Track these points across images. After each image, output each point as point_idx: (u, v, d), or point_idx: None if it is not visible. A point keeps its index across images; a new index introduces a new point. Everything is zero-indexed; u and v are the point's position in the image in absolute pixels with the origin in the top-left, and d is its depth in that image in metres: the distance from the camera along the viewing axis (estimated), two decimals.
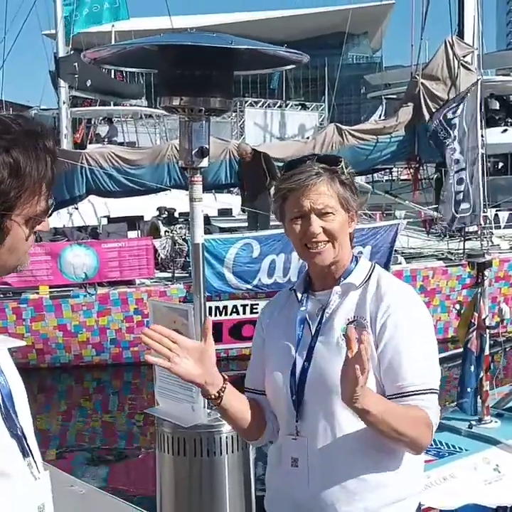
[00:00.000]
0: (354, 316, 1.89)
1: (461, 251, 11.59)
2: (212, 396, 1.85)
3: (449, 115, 11.32)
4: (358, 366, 1.61)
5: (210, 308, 10.49)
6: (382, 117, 15.39)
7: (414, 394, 1.80)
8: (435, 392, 1.84)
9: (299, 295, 1.99)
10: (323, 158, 1.92)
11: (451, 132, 11.30)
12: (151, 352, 1.76)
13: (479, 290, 4.16)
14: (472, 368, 4.12)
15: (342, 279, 1.93)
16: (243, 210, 12.22)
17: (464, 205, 11.22)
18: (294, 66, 2.92)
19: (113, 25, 20.57)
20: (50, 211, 1.30)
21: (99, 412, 9.62)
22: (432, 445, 3.85)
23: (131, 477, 7.25)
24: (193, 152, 2.79)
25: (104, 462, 7.77)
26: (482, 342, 4.09)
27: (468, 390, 4.15)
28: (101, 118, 22.13)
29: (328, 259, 1.91)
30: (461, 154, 11.19)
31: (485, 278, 4.20)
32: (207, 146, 2.79)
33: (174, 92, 2.72)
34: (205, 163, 2.83)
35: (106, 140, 19.68)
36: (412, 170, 13.14)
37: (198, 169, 2.85)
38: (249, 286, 10.25)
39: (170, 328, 2.89)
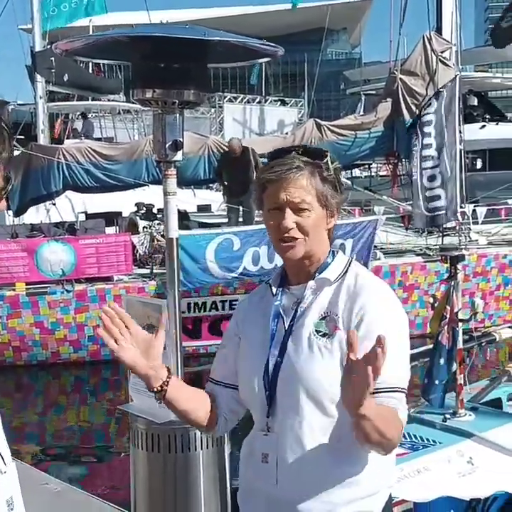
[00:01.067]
0: (327, 312, 1.87)
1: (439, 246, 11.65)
2: (155, 389, 1.88)
3: (423, 111, 11.38)
4: (370, 373, 1.57)
5: (189, 304, 10.46)
6: (361, 113, 15.39)
7: (385, 391, 1.78)
8: (404, 392, 1.83)
9: (274, 289, 1.97)
10: (308, 150, 1.89)
11: (424, 129, 11.34)
12: (103, 329, 1.82)
13: (452, 283, 4.18)
14: (442, 361, 4.13)
15: (317, 273, 1.91)
16: (228, 206, 12.16)
17: (438, 203, 11.27)
18: (269, 59, 2.90)
19: (90, 20, 20.43)
20: (5, 191, 1.26)
21: (77, 409, 9.56)
22: (406, 438, 3.86)
23: (108, 474, 7.20)
24: (167, 145, 2.76)
25: (81, 460, 7.71)
26: (455, 335, 4.10)
27: (437, 382, 4.16)
28: (78, 113, 21.99)
29: (298, 254, 1.89)
30: (437, 151, 11.22)
31: (458, 271, 4.21)
32: (181, 140, 2.76)
33: (147, 85, 2.68)
34: (179, 156, 2.80)
35: (83, 136, 19.54)
36: (390, 166, 13.18)
37: (172, 163, 2.82)
38: (235, 275, 10.13)
39: (144, 323, 2.89)
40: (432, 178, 11.36)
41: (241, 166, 11.50)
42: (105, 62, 3.44)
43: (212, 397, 2.03)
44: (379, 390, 1.76)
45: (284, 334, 1.90)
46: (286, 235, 1.86)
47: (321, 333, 1.85)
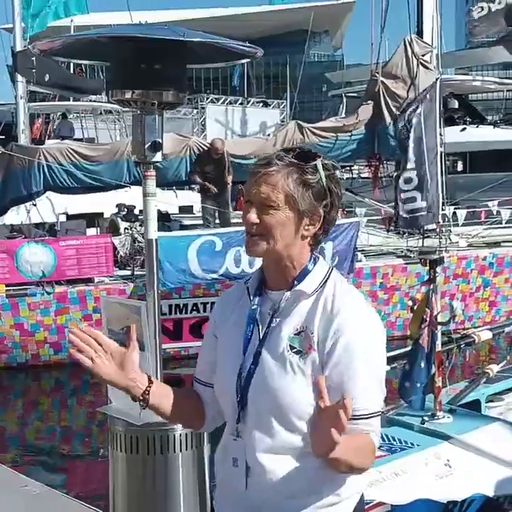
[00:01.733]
0: (302, 327, 1.83)
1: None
2: (137, 399, 1.89)
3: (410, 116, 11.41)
4: (334, 429, 1.57)
5: (171, 306, 10.44)
6: (343, 115, 15.43)
7: (360, 418, 1.77)
8: (379, 415, 1.83)
9: (252, 292, 1.94)
10: (300, 152, 1.84)
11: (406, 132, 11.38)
12: (75, 350, 1.84)
13: (431, 286, 4.19)
14: (422, 364, 4.14)
15: (296, 282, 1.86)
16: (204, 208, 12.14)
17: (414, 205, 11.32)
18: (248, 60, 2.90)
19: (72, 20, 20.34)
20: None
21: (57, 412, 9.50)
22: (384, 441, 3.88)
23: (88, 477, 7.17)
24: (146, 146, 2.75)
25: (61, 462, 7.67)
26: (433, 338, 4.12)
27: (418, 385, 4.18)
28: (59, 113, 21.87)
29: (258, 252, 1.84)
30: (414, 154, 11.28)
31: (437, 274, 4.23)
32: (160, 141, 2.75)
33: (126, 85, 2.68)
34: (158, 157, 2.79)
35: (60, 137, 19.41)
36: (372, 168, 13.21)
37: (151, 164, 2.81)
38: (216, 276, 10.12)
39: (123, 325, 2.88)
40: (408, 181, 11.41)
41: (218, 167, 11.51)
42: (84, 62, 3.43)
43: (200, 397, 2.03)
44: (357, 417, 1.76)
45: (258, 342, 1.87)
46: (250, 230, 1.84)
47: (294, 350, 1.82)
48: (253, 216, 1.82)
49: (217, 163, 11.57)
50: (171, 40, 2.50)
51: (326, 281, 1.87)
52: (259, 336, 1.88)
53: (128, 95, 2.67)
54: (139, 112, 2.72)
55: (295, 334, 1.83)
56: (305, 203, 1.81)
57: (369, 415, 1.79)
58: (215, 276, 10.10)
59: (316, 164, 1.82)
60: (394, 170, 12.89)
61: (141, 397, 1.88)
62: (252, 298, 1.92)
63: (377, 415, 1.81)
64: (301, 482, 1.82)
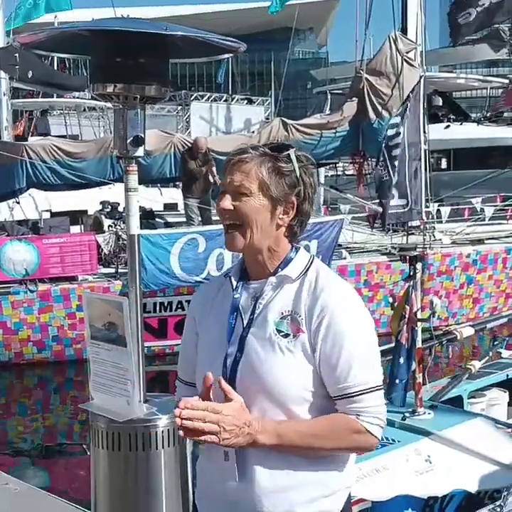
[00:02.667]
0: (289, 311, 1.85)
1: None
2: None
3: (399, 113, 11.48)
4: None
5: (155, 304, 10.41)
6: (328, 112, 15.44)
7: (356, 395, 1.79)
8: (377, 389, 1.82)
9: (234, 283, 1.94)
10: (273, 145, 1.88)
11: (394, 130, 11.44)
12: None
13: (411, 283, 4.20)
14: (402, 360, 4.15)
15: (279, 269, 1.88)
16: (187, 206, 12.10)
17: (399, 201, 11.38)
18: (231, 55, 2.89)
19: (56, 16, 20.19)
20: None
21: (40, 409, 9.45)
22: None
23: (71, 474, 7.13)
24: (128, 141, 2.72)
25: (44, 460, 7.61)
26: (413, 335, 4.13)
27: (397, 381, 4.18)
28: (39, 111, 21.75)
29: (238, 245, 1.87)
30: (401, 150, 11.32)
31: (417, 271, 4.24)
32: (142, 135, 2.73)
33: (108, 79, 2.65)
34: (140, 152, 2.77)
35: (37, 134, 19.25)
36: (356, 165, 13.23)
37: (133, 158, 2.79)
38: (199, 279, 10.12)
39: (105, 321, 2.86)
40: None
41: (202, 164, 11.48)
42: (65, 56, 3.39)
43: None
44: (348, 395, 1.78)
45: (243, 330, 1.87)
46: (225, 220, 1.86)
47: (282, 334, 1.83)
48: (226, 203, 1.84)
49: (205, 161, 11.54)
50: (152, 34, 2.48)
51: (308, 267, 1.89)
52: (242, 324, 1.88)
53: (110, 89, 2.64)
54: (121, 106, 2.69)
55: (281, 318, 1.84)
56: (278, 190, 1.84)
57: (366, 390, 1.79)
58: (198, 278, 10.10)
59: (289, 154, 1.86)
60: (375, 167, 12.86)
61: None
62: (234, 288, 1.93)
63: (376, 389, 1.81)
64: (293, 475, 1.82)
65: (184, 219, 13.23)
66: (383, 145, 11.44)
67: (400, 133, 11.30)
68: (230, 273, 1.98)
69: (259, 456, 1.83)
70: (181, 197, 15.46)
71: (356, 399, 1.79)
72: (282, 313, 1.85)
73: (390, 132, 11.42)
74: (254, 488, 1.84)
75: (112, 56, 2.60)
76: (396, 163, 11.33)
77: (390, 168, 11.41)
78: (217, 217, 1.93)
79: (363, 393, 1.79)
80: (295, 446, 1.75)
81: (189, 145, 12.11)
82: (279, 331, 1.83)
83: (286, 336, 1.82)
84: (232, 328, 1.89)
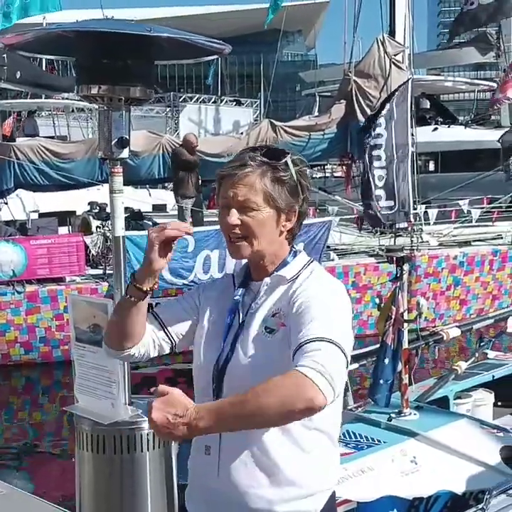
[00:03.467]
0: (278, 309, 1.88)
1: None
2: (145, 289, 1.92)
3: (378, 114, 11.48)
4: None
5: None
6: (316, 114, 15.48)
7: (306, 342, 1.67)
8: (332, 343, 1.66)
9: (237, 282, 2.00)
10: (269, 151, 1.89)
11: (376, 130, 11.43)
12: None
13: (398, 284, 4.22)
14: (387, 361, 4.16)
15: (275, 271, 1.92)
16: (180, 208, 12.05)
17: (387, 203, 11.39)
18: (216, 56, 2.89)
19: (44, 17, 20.12)
20: None
21: (27, 411, 9.41)
22: (351, 438, 3.88)
23: (58, 476, 7.09)
24: (113, 142, 2.72)
25: (31, 462, 7.59)
26: (399, 336, 4.14)
27: (382, 382, 4.19)
28: (26, 111, 21.66)
29: (243, 254, 1.90)
30: (385, 152, 11.33)
31: (403, 272, 4.26)
32: (127, 137, 2.73)
33: (92, 80, 2.64)
34: (125, 153, 2.76)
35: (25, 135, 19.17)
36: (344, 167, 13.27)
37: (118, 160, 2.79)
38: (186, 282, 10.12)
39: (90, 323, 2.85)
40: (380, 178, 11.50)
41: (193, 164, 11.42)
42: (50, 57, 3.39)
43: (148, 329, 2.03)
44: (301, 343, 1.68)
45: (237, 329, 1.91)
46: (231, 233, 1.87)
47: (268, 330, 1.86)
48: (233, 218, 1.85)
49: (192, 162, 11.46)
50: (137, 35, 2.48)
51: (304, 269, 1.92)
52: (238, 323, 1.92)
53: (94, 90, 2.63)
54: (105, 107, 2.69)
55: (271, 316, 1.87)
56: (282, 200, 1.87)
57: (320, 338, 1.66)
58: (185, 281, 10.09)
59: (286, 161, 1.88)
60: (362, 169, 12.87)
61: (148, 288, 1.92)
62: (236, 289, 1.98)
63: (331, 342, 1.66)
64: (272, 473, 1.83)
65: (172, 220, 13.19)
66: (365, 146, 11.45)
67: (381, 134, 11.31)
68: (234, 274, 2.04)
69: (239, 452, 1.84)
70: (173, 198, 15.43)
71: (298, 351, 1.67)
72: (272, 312, 1.88)
73: (373, 132, 11.43)
74: (233, 484, 1.85)
75: (97, 57, 2.59)
76: (376, 163, 11.33)
77: (368, 168, 11.42)
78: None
79: (305, 343, 1.67)
80: (237, 416, 1.62)
81: (177, 146, 12.08)
82: (266, 329, 1.87)
83: (272, 331, 1.86)
84: (228, 327, 1.93)
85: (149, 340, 2.02)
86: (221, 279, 2.14)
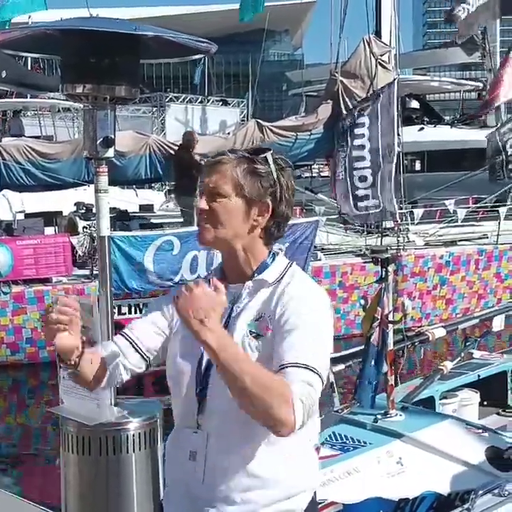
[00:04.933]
0: (262, 314, 1.87)
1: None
2: (72, 362, 1.91)
3: (357, 114, 11.52)
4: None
5: (130, 305, 10.35)
6: (303, 114, 15.49)
7: (286, 367, 1.73)
8: (311, 370, 1.73)
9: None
10: (253, 149, 1.93)
11: (355, 130, 11.47)
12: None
13: (383, 285, 4.21)
14: (372, 362, 4.16)
15: (256, 274, 1.91)
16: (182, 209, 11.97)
17: (371, 202, 11.42)
18: (202, 55, 2.89)
19: (29, 16, 20.01)
20: None
21: (14, 412, 9.36)
22: (337, 439, 3.88)
23: (44, 478, 7.06)
24: (98, 142, 2.71)
25: (17, 463, 7.56)
26: (384, 337, 4.14)
27: (367, 383, 4.19)
28: (11, 111, 21.53)
29: (206, 238, 1.90)
30: (370, 152, 11.35)
31: (389, 273, 4.26)
32: (112, 136, 2.71)
33: (77, 79, 2.63)
34: (110, 153, 2.75)
35: (11, 135, 19.05)
36: (331, 166, 13.26)
37: (103, 159, 2.77)
38: (171, 283, 10.09)
39: None
40: (363, 179, 11.52)
41: (193, 163, 11.30)
42: (35, 56, 3.37)
43: (111, 351, 2.03)
44: (281, 367, 1.73)
45: None
46: (199, 218, 1.90)
47: (253, 334, 1.86)
48: (202, 203, 1.88)
49: (190, 162, 11.35)
50: (122, 34, 2.47)
51: (285, 272, 1.92)
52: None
53: (79, 89, 2.63)
54: (90, 106, 2.68)
55: (255, 320, 1.87)
56: (252, 191, 1.87)
57: (299, 365, 1.72)
58: (171, 283, 10.05)
59: (266, 156, 1.89)
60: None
61: (76, 360, 1.92)
62: None
63: (310, 369, 1.73)
64: (255, 476, 1.83)
65: (159, 220, 13.17)
66: (346, 145, 11.48)
67: (364, 134, 11.36)
68: (209, 276, 2.00)
69: (225, 458, 1.84)
70: (160, 199, 15.34)
71: (291, 370, 1.72)
72: (256, 317, 1.87)
73: (356, 132, 11.47)
74: (218, 489, 1.85)
75: (82, 56, 2.58)
76: (358, 164, 11.38)
77: (347, 168, 11.47)
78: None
79: (298, 366, 1.72)
80: (229, 367, 1.67)
81: (165, 146, 12.05)
82: (251, 333, 1.86)
83: (257, 336, 1.85)
84: None
85: (118, 369, 2.03)
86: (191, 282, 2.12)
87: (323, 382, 1.77)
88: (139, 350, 2.01)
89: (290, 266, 1.94)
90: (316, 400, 1.76)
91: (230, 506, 1.84)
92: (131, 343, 2.02)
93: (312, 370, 1.73)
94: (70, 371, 1.95)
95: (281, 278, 1.90)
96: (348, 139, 11.53)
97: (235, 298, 1.92)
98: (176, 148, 11.79)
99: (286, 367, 1.73)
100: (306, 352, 1.75)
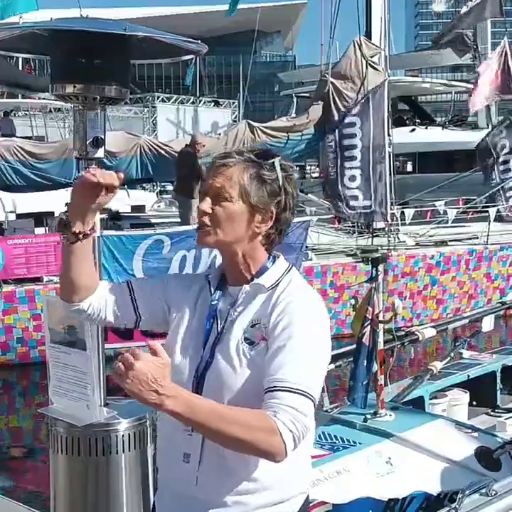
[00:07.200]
0: (258, 320, 1.85)
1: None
2: (74, 231, 1.91)
3: (349, 114, 11.54)
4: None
5: None
6: (294, 115, 15.51)
7: (277, 390, 1.70)
8: (304, 395, 1.70)
9: (213, 287, 1.96)
10: (259, 151, 1.89)
11: (343, 130, 11.49)
12: None
13: (374, 285, 4.22)
14: (364, 362, 4.16)
15: (255, 278, 1.90)
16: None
17: (362, 203, 11.44)
18: (192, 56, 2.88)
19: (20, 16, 19.96)
20: None
21: (4, 413, 9.32)
22: (326, 439, 3.88)
23: (34, 479, 7.04)
24: (88, 142, 2.70)
25: (7, 464, 7.53)
26: (375, 336, 4.14)
27: (359, 383, 4.19)
28: (7, 110, 21.46)
29: (206, 242, 1.88)
30: (361, 152, 11.38)
31: (379, 273, 4.26)
32: (102, 136, 2.71)
33: (67, 79, 2.62)
34: (100, 153, 2.74)
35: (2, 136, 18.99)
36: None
37: (93, 160, 2.77)
38: None
39: (65, 324, 2.83)
40: (352, 179, 11.54)
41: (193, 167, 11.27)
42: (25, 56, 3.36)
43: (109, 288, 2.03)
44: (271, 388, 1.71)
45: (216, 336, 1.89)
46: (200, 220, 1.87)
47: (248, 341, 1.84)
48: (205, 205, 1.85)
49: (194, 167, 11.31)
50: (112, 34, 2.46)
51: (283, 277, 1.90)
52: (217, 330, 1.89)
53: (69, 90, 2.61)
54: (80, 107, 2.67)
55: (251, 326, 1.85)
56: (258, 198, 1.84)
57: (292, 389, 1.70)
58: None
59: (274, 162, 1.86)
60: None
61: (77, 231, 1.92)
62: (212, 293, 1.95)
63: (303, 394, 1.70)
64: (248, 480, 1.83)
65: (152, 220, 13.15)
66: (337, 146, 11.49)
67: (355, 134, 11.38)
68: (209, 275, 1.99)
69: (220, 461, 1.83)
70: (151, 199, 15.27)
71: (278, 394, 1.69)
72: (251, 323, 1.86)
73: (345, 131, 11.49)
74: (212, 492, 1.85)
75: (71, 56, 2.57)
76: (347, 164, 11.40)
77: (338, 167, 11.49)
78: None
79: (287, 391, 1.69)
80: (204, 423, 1.65)
81: (156, 147, 12.05)
82: (246, 339, 1.84)
83: (251, 343, 1.84)
84: (207, 333, 1.91)
85: (106, 302, 2.02)
86: (192, 276, 2.11)
87: (315, 404, 1.73)
88: (135, 304, 2.02)
89: (288, 271, 1.92)
90: (308, 423, 1.71)
91: (223, 508, 1.84)
92: (130, 293, 2.03)
93: (303, 395, 1.70)
94: (67, 241, 1.94)
95: (278, 283, 1.88)
96: (339, 139, 11.55)
97: (232, 301, 1.91)
98: (182, 146, 11.76)
99: (276, 390, 1.70)
100: (297, 373, 1.72)
